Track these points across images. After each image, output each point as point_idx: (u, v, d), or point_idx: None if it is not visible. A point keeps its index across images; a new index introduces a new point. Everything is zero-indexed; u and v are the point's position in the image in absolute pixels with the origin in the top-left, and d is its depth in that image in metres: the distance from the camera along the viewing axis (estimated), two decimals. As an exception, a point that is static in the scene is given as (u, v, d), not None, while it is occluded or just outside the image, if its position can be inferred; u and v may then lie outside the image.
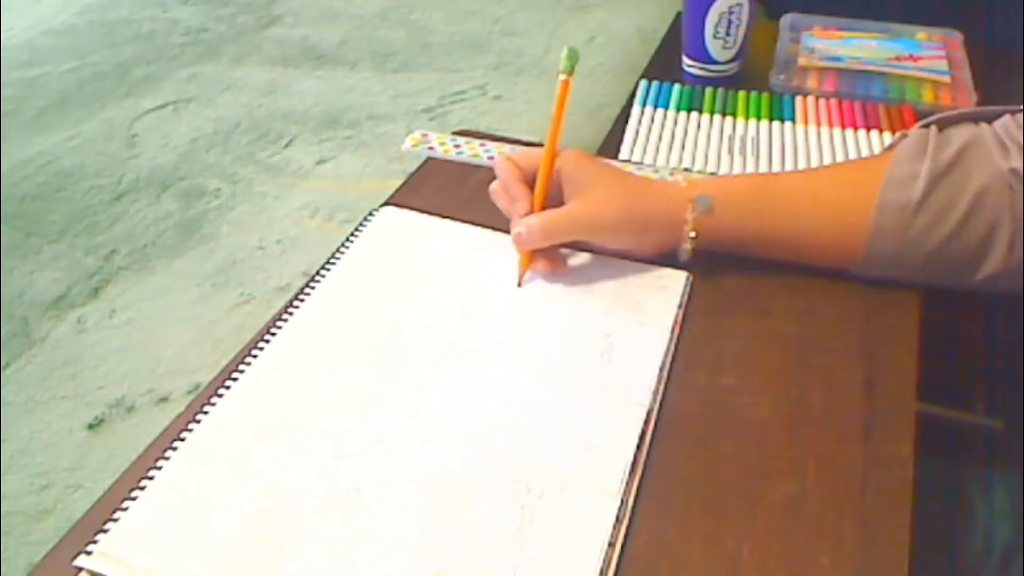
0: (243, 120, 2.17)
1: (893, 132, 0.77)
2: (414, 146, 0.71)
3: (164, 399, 1.43)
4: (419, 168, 0.70)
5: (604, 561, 0.40)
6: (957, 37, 0.90)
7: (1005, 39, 0.90)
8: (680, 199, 0.55)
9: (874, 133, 0.77)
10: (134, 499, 0.43)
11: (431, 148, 0.71)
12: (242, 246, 1.76)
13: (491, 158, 0.69)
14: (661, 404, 0.48)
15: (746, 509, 0.43)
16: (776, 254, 0.56)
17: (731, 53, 0.85)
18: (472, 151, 0.70)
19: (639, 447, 0.45)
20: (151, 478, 0.44)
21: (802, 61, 0.87)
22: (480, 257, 0.58)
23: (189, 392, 1.44)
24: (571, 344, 0.51)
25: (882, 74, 0.85)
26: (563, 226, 0.55)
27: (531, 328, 0.52)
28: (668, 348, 0.51)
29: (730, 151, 0.75)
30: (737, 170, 0.73)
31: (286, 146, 2.07)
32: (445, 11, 2.65)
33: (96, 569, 0.40)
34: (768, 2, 1.02)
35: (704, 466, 0.45)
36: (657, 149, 0.76)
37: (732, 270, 0.55)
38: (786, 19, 0.95)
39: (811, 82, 0.84)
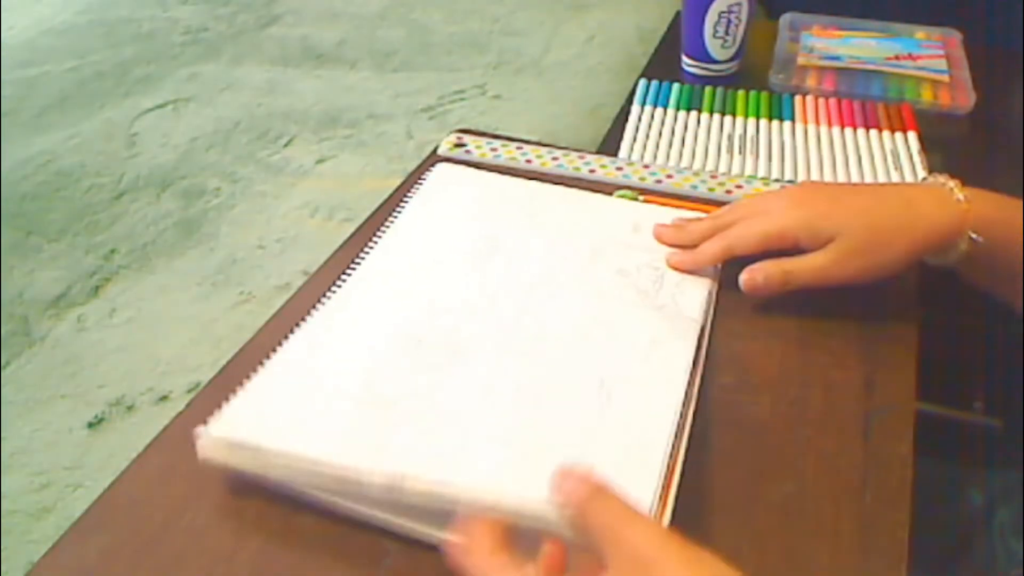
0: (243, 119, 2.17)
1: (892, 131, 0.77)
2: (450, 150, 0.70)
3: (164, 398, 1.43)
4: (419, 167, 0.70)
5: (675, 433, 0.43)
6: (956, 36, 0.90)
7: (1005, 39, 0.90)
8: (955, 220, 0.50)
9: (873, 132, 0.77)
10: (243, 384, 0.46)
11: (468, 152, 0.70)
12: (242, 245, 1.76)
13: (528, 161, 0.69)
14: (712, 325, 0.52)
15: (745, 508, 0.43)
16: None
17: (730, 52, 0.85)
18: (509, 154, 0.70)
19: (697, 350, 0.49)
20: (263, 363, 0.47)
21: (801, 60, 0.87)
22: (533, 205, 0.62)
23: (189, 391, 1.44)
24: (625, 274, 0.55)
25: (881, 73, 0.85)
26: (810, 280, 0.52)
27: (587, 263, 0.56)
28: (714, 277, 0.55)
29: (729, 150, 0.75)
30: (736, 170, 0.73)
31: (286, 145, 2.07)
32: (445, 11, 2.65)
33: (216, 433, 0.42)
34: (767, 1, 1.02)
35: (703, 465, 0.45)
36: (657, 148, 0.76)
37: (731, 269, 0.55)
38: (785, 18, 0.95)
39: (810, 81, 0.84)
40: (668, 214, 0.60)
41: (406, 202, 0.62)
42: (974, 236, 0.50)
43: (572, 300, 0.52)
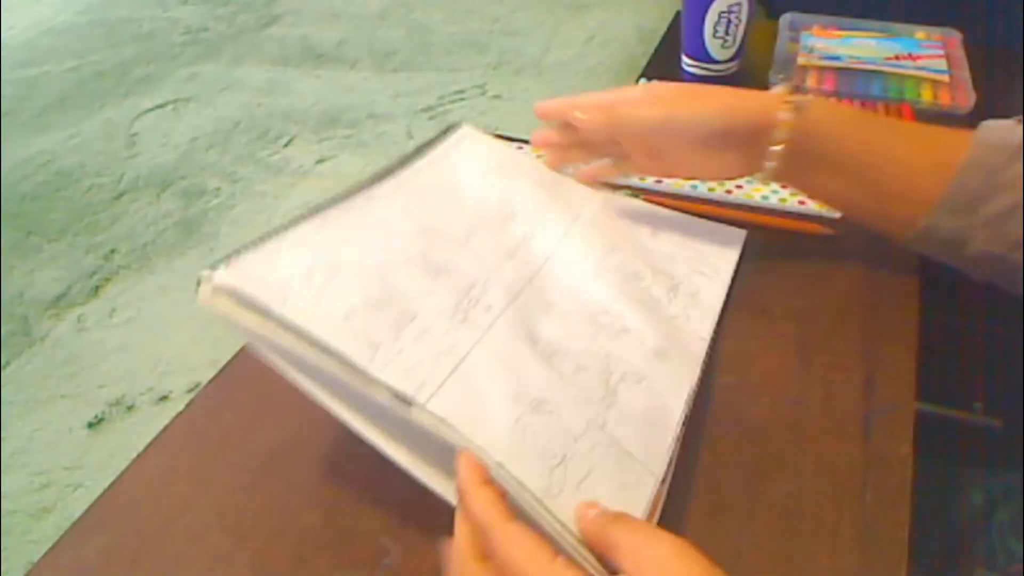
0: (243, 119, 2.17)
1: (892, 131, 0.76)
2: None
3: (164, 398, 1.43)
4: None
5: (677, 438, 0.43)
6: (956, 36, 0.90)
7: (1005, 39, 0.90)
8: (774, 99, 0.51)
9: (873, 132, 0.77)
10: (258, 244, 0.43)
11: None
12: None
13: None
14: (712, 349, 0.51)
15: (745, 508, 0.43)
16: (855, 187, 0.52)
17: (730, 52, 0.85)
18: None
19: (704, 371, 0.48)
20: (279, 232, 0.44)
21: (801, 60, 0.87)
22: (557, 188, 0.59)
23: (189, 391, 1.44)
24: (640, 278, 0.53)
25: (881, 73, 0.85)
26: (603, 120, 0.53)
27: (603, 258, 0.53)
28: (725, 298, 0.54)
29: (729, 150, 0.75)
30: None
31: (286, 145, 2.07)
32: (445, 11, 2.65)
33: (226, 281, 0.40)
34: (767, 1, 1.02)
35: (703, 465, 0.45)
36: (657, 148, 0.76)
37: (736, 279, 0.55)
38: (785, 18, 0.95)
39: (810, 81, 0.84)
40: (691, 220, 0.59)
41: (425, 153, 0.58)
42: (783, 115, 0.50)
43: (583, 291, 0.50)
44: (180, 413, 0.49)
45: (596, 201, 0.59)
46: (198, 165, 2.01)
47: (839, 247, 0.59)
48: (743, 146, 0.52)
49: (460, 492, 0.36)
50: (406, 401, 0.38)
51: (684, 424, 0.44)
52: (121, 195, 1.92)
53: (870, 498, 0.43)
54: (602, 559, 0.35)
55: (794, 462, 0.45)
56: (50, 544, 0.42)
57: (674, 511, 0.43)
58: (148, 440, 0.48)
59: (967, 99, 0.80)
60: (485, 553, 0.35)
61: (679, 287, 0.53)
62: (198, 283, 0.40)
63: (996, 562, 0.61)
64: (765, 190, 0.65)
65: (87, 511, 0.44)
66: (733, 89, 0.53)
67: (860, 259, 0.58)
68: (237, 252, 0.42)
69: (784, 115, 0.50)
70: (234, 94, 2.28)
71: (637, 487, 0.40)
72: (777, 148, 0.51)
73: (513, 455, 0.38)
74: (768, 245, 0.60)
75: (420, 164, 0.56)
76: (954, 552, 0.63)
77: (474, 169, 0.58)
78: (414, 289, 0.45)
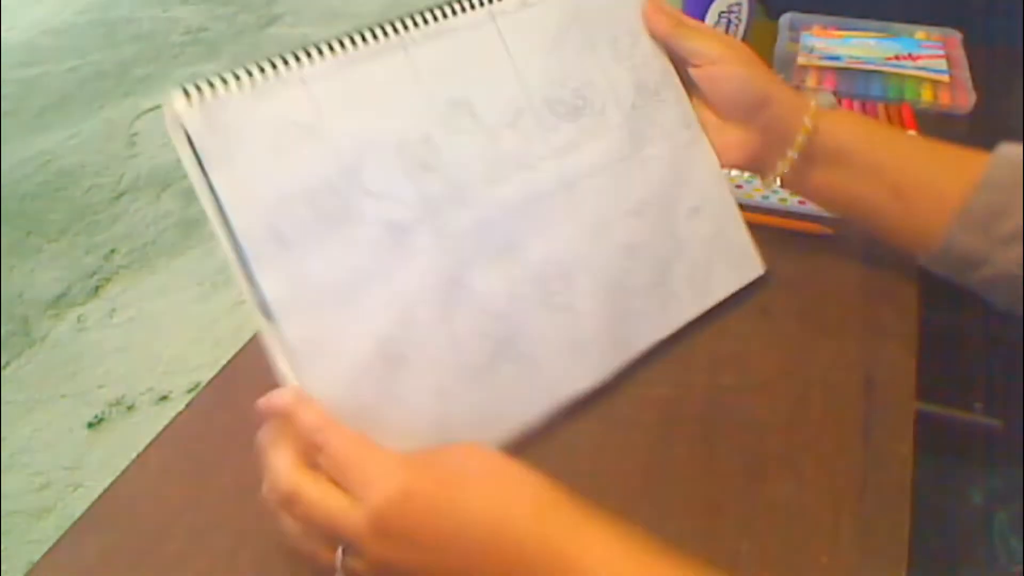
0: (243, 119, 2.17)
1: (892, 131, 0.76)
2: None
3: (164, 398, 1.43)
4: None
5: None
6: (956, 36, 0.90)
7: (1005, 39, 0.90)
8: (802, 94, 0.53)
9: (873, 132, 0.77)
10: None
11: None
12: (242, 245, 1.76)
13: None
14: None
15: (745, 508, 0.43)
16: (871, 195, 0.52)
17: (731, 52, 0.85)
18: None
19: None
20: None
21: (801, 60, 0.87)
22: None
23: (189, 391, 1.44)
24: (632, 258, 0.49)
25: (881, 73, 0.85)
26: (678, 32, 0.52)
27: (620, 216, 0.49)
28: (687, 323, 0.51)
29: (729, 150, 0.75)
30: (735, 170, 0.73)
31: (286, 145, 2.07)
32: (445, 10, 2.65)
33: (185, 119, 0.38)
34: (767, 1, 1.02)
35: (704, 465, 0.45)
36: (657, 148, 0.75)
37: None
38: (785, 18, 0.95)
39: (810, 81, 0.84)
40: (736, 221, 0.55)
41: None
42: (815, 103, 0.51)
43: (561, 244, 0.46)
44: (180, 413, 0.49)
45: (678, 140, 0.52)
46: (198, 165, 2.01)
47: (839, 247, 0.59)
48: (766, 128, 0.52)
49: (285, 414, 0.37)
50: (267, 313, 0.37)
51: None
52: (121, 195, 1.92)
53: (870, 498, 0.43)
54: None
55: (794, 462, 0.45)
56: (50, 544, 0.42)
57: (674, 510, 0.43)
58: (148, 440, 0.47)
59: (967, 99, 0.80)
60: (315, 463, 0.36)
61: (657, 289, 0.50)
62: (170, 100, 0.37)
63: (996, 562, 0.61)
64: (765, 190, 0.65)
65: (87, 511, 0.44)
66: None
67: (860, 259, 0.58)
68: (233, 76, 0.38)
69: (812, 101, 0.51)
70: (234, 94, 2.29)
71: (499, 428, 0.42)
72: (800, 137, 0.51)
73: (335, 409, 0.37)
74: (768, 245, 0.60)
75: None
76: (954, 552, 0.63)
77: (603, 25, 0.50)
78: (378, 184, 0.40)
